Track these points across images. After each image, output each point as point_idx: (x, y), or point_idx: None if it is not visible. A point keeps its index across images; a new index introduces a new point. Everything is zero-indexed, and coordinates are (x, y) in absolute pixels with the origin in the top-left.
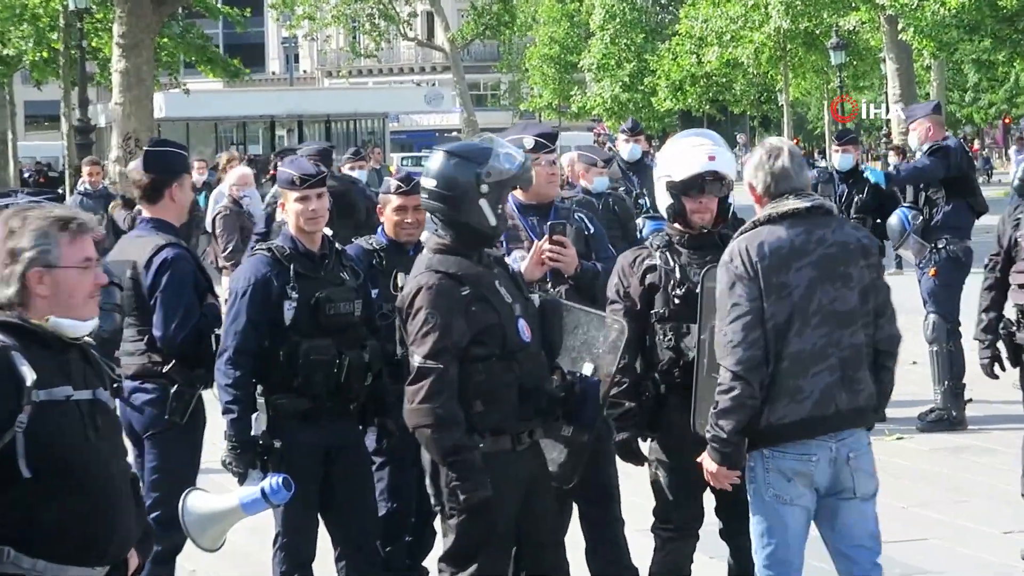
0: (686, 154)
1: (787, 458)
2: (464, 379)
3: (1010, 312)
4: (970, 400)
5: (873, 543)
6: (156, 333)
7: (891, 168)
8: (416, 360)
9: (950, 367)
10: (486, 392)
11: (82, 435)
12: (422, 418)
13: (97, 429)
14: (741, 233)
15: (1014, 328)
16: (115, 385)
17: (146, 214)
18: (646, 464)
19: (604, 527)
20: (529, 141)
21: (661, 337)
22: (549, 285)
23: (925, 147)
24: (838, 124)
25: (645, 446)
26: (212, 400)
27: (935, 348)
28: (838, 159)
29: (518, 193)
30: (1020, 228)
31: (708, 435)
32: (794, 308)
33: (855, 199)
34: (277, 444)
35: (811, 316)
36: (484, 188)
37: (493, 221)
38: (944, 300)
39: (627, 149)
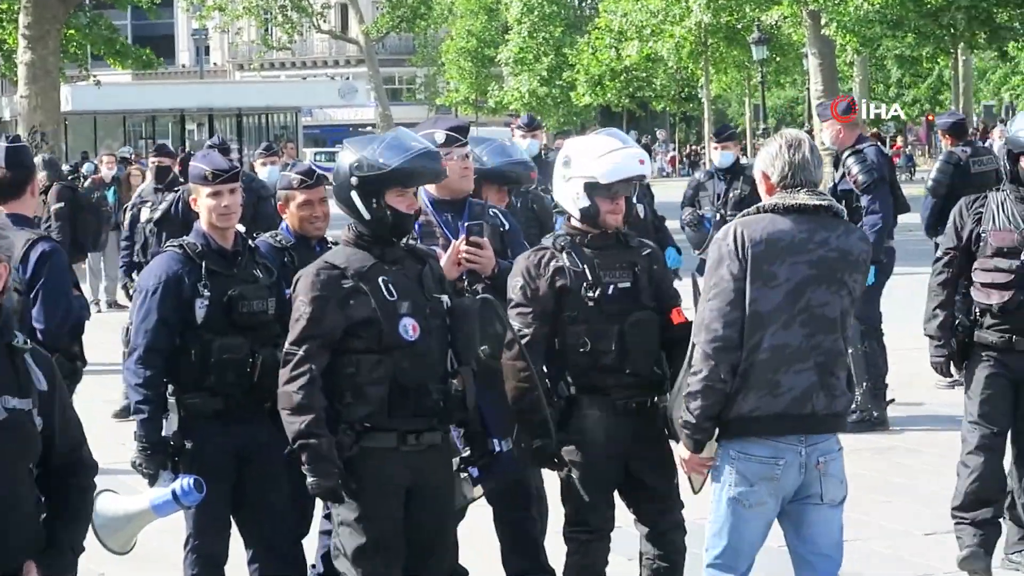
0: (612, 156)
1: (753, 462)
2: (337, 370)
3: (963, 309)
4: (892, 400)
5: (836, 553)
6: (38, 326)
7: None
8: (285, 345)
9: (867, 368)
10: (356, 385)
11: None
12: (282, 401)
13: None
14: (744, 215)
15: (969, 325)
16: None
17: (1, 210)
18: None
19: (519, 526)
20: (440, 135)
21: (575, 340)
22: (465, 283)
23: (845, 154)
24: (763, 120)
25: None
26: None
27: (851, 350)
28: (718, 156)
29: (431, 188)
30: (983, 223)
31: (679, 421)
32: (780, 301)
33: (731, 196)
34: (188, 445)
35: (797, 313)
36: (354, 180)
37: (366, 215)
38: (864, 302)
39: (524, 145)
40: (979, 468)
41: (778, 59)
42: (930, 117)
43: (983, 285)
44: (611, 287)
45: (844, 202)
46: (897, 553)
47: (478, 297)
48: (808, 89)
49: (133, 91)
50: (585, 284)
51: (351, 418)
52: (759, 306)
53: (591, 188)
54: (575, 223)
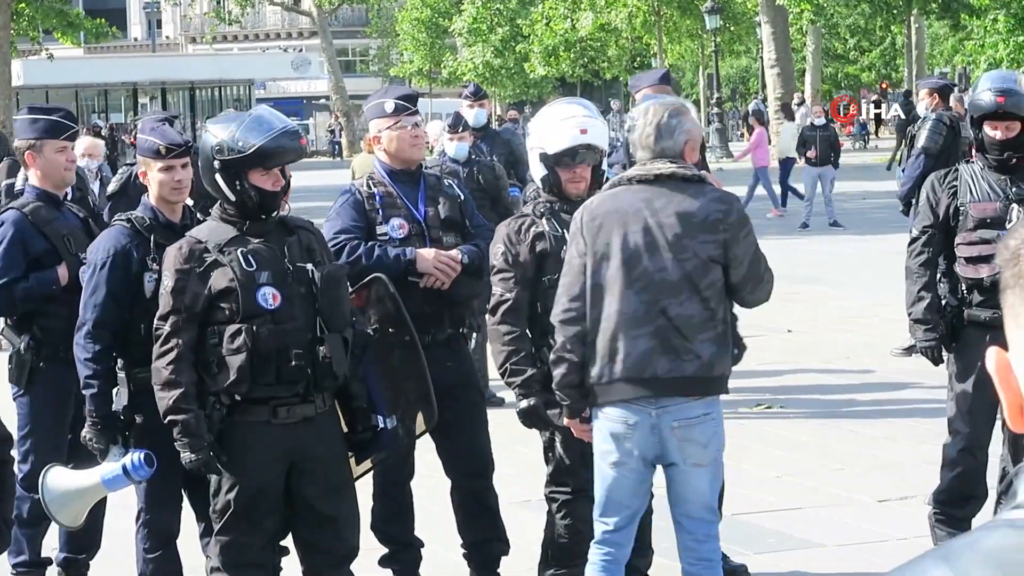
0: (557, 126)
1: (608, 421)
2: (204, 342)
3: (947, 288)
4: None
5: (708, 514)
6: None
7: None
8: (155, 320)
9: None
10: (219, 356)
11: None
12: (153, 376)
13: None
14: (599, 192)
15: (957, 305)
16: None
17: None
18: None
19: (476, 497)
20: (390, 104)
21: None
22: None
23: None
24: (715, 91)
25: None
26: None
27: None
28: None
29: (384, 158)
30: (960, 196)
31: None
32: (616, 271)
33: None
34: (139, 419)
35: (634, 281)
36: (217, 164)
37: (231, 196)
38: None
39: (471, 115)
40: (965, 464)
41: (732, 28)
42: (884, 85)
43: (969, 260)
44: None
45: None
46: (849, 520)
47: (369, 277)
48: (762, 58)
49: (85, 65)
50: (564, 248)
51: (218, 388)
52: (598, 278)
53: (544, 159)
54: (549, 193)
